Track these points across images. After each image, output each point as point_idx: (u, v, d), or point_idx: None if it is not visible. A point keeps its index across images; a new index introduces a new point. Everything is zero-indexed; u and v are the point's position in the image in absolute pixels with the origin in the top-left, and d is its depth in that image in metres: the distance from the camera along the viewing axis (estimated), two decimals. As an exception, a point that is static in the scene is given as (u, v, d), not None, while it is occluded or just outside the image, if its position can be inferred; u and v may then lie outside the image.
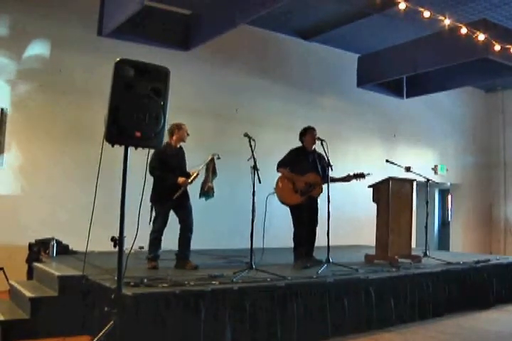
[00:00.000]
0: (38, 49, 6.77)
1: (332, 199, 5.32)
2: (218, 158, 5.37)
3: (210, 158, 5.33)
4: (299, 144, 5.97)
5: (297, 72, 9.33)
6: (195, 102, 7.89)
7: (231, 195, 7.78)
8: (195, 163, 5.30)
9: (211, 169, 5.36)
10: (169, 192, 5.06)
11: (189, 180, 5.14)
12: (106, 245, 3.31)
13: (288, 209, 5.78)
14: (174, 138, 5.26)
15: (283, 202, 5.74)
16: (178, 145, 5.34)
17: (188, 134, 5.31)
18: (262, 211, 5.11)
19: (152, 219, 5.14)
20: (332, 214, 5.32)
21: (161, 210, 5.14)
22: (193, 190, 5.33)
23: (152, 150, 3.97)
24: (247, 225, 4.85)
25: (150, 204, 5.15)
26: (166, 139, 4.99)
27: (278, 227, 6.21)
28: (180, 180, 5.10)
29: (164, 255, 5.28)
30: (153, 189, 5.10)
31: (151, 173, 5.01)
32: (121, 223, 3.06)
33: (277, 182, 5.80)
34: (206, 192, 5.35)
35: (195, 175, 5.19)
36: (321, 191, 5.71)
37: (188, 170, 5.35)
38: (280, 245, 6.67)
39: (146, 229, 4.89)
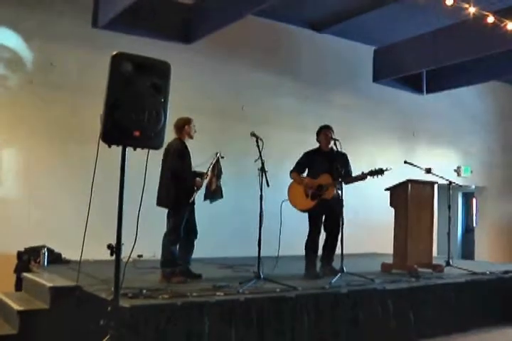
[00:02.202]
0: (27, 41, 6.79)
1: (345, 203, 5.31)
2: (222, 157, 5.39)
3: (215, 157, 5.34)
4: (310, 144, 5.99)
5: (309, 67, 9.32)
6: (197, 99, 7.90)
7: (237, 199, 7.78)
8: (196, 163, 5.31)
9: (217, 169, 5.38)
10: (187, 195, 5.06)
11: (202, 182, 5.17)
12: (102, 253, 3.31)
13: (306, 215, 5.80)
14: (184, 133, 5.25)
15: (298, 208, 5.76)
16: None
17: (195, 131, 5.33)
18: (272, 216, 5.12)
19: (169, 227, 5.09)
20: (346, 220, 5.30)
21: (181, 216, 5.10)
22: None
23: (151, 151, 3.98)
24: (254, 231, 4.85)
25: (167, 209, 5.12)
26: (171, 135, 5.03)
27: (290, 234, 6.20)
28: (197, 181, 5.12)
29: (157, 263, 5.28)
30: (168, 192, 5.05)
31: (175, 175, 5.00)
32: (119, 229, 3.06)
33: (289, 189, 5.85)
34: (213, 193, 5.35)
35: (210, 176, 5.21)
36: (333, 193, 5.69)
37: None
38: (292, 253, 6.66)
39: (146, 236, 4.90)
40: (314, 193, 5.67)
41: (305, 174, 5.94)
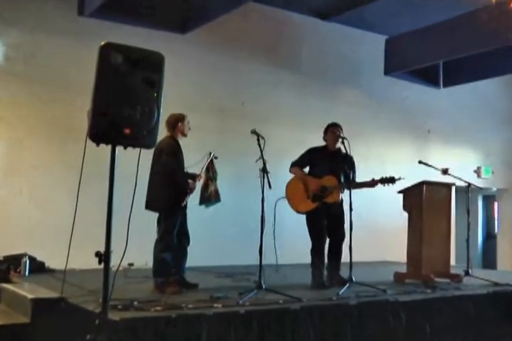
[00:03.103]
0: (6, 30, 6.80)
1: (353, 206, 5.32)
2: (215, 158, 5.40)
3: (208, 157, 5.35)
4: (313, 143, 6.01)
5: (314, 59, 9.34)
6: (193, 95, 7.92)
7: (237, 202, 7.79)
8: (187, 164, 5.32)
9: (212, 170, 5.39)
10: (180, 199, 5.09)
11: (195, 184, 5.18)
12: (89, 261, 3.32)
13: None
14: (176, 131, 5.25)
15: (295, 210, 5.75)
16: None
17: (189, 128, 5.34)
18: (273, 220, 5.13)
19: (161, 232, 5.11)
20: (354, 225, 5.32)
21: (174, 220, 5.12)
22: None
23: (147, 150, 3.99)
24: (255, 237, 4.86)
25: (158, 213, 5.13)
26: (163, 133, 5.03)
27: (293, 239, 6.22)
28: (190, 183, 5.14)
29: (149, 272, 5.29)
30: (160, 194, 5.07)
31: (171, 176, 5.03)
32: (108, 235, 3.07)
33: (287, 185, 5.82)
34: (209, 197, 5.36)
35: (203, 178, 5.23)
36: (338, 198, 5.68)
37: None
38: (296, 261, 6.67)
39: (137, 243, 4.91)
40: (316, 195, 5.66)
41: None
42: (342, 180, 5.70)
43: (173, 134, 5.23)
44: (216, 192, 5.39)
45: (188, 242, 5.30)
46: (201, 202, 5.39)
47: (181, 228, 5.19)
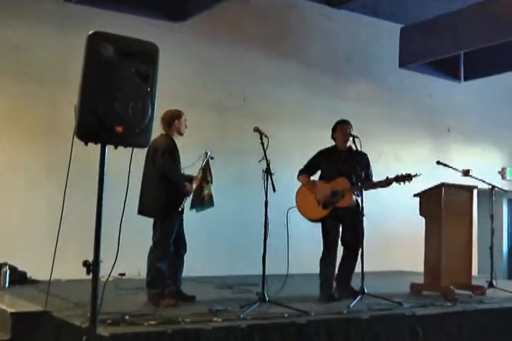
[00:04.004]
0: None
1: (365, 211, 5.32)
2: (212, 158, 5.40)
3: (204, 157, 5.35)
4: (321, 142, 6.01)
5: (321, 50, 9.34)
6: (190, 90, 7.93)
7: (238, 207, 7.81)
8: (184, 165, 5.32)
9: (208, 172, 5.39)
10: (178, 203, 5.10)
11: (193, 186, 5.20)
12: (76, 272, 3.33)
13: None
14: (172, 129, 5.25)
15: (307, 218, 5.78)
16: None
17: (186, 126, 5.35)
18: (278, 226, 5.13)
19: (156, 239, 5.11)
20: (366, 231, 5.32)
21: (171, 226, 5.12)
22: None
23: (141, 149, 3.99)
24: (258, 245, 4.87)
25: (153, 218, 5.14)
26: (157, 131, 5.03)
27: (300, 247, 6.21)
28: (188, 186, 5.15)
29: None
30: (156, 198, 5.08)
31: (168, 178, 5.03)
32: (97, 243, 3.07)
33: (297, 193, 5.86)
34: (202, 201, 5.36)
35: (199, 180, 5.24)
36: (352, 201, 5.68)
37: None
38: (303, 271, 6.67)
39: (129, 251, 4.91)
40: (328, 200, 5.67)
41: (316, 177, 5.94)
42: (354, 181, 5.69)
43: (169, 132, 5.23)
44: (210, 196, 5.39)
45: (185, 250, 5.31)
46: (192, 206, 5.39)
47: (178, 234, 5.20)
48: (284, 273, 5.39)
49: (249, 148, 5.28)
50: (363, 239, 5.41)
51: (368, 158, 5.89)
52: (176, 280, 5.24)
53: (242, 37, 8.58)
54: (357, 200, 5.64)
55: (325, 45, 9.38)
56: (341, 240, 5.79)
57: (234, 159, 7.64)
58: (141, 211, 5.13)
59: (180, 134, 5.31)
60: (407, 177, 5.48)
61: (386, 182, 5.59)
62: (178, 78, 7.54)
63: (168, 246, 5.08)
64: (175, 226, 5.13)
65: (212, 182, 5.42)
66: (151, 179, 5.11)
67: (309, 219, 5.78)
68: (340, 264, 5.84)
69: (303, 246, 6.26)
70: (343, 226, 5.76)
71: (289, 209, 5.57)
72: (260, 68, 8.69)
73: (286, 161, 6.00)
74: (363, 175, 5.62)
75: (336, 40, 9.50)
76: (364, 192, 5.55)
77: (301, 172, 5.91)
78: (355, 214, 5.62)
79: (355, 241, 5.66)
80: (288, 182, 5.83)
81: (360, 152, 5.67)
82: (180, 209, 5.12)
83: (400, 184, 5.52)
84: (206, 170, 5.38)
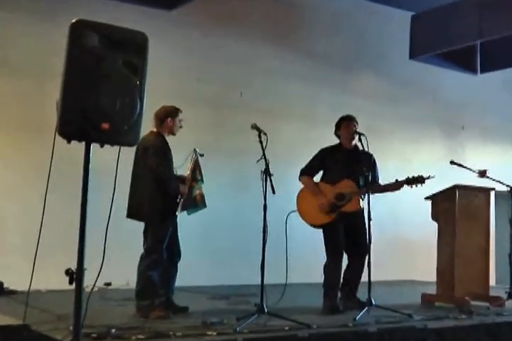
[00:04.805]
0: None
1: (372, 216, 5.32)
2: (201, 155, 5.39)
3: (193, 155, 5.34)
4: (326, 141, 6.00)
5: (325, 41, 9.35)
6: (183, 83, 7.93)
7: (234, 210, 7.81)
8: (175, 165, 5.33)
9: (198, 171, 5.39)
10: (172, 205, 5.11)
11: (186, 187, 5.19)
12: (58, 281, 3.33)
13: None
14: (165, 127, 5.24)
15: (309, 224, 5.76)
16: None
17: (181, 126, 5.33)
18: (278, 231, 5.13)
19: (148, 246, 5.10)
20: (374, 237, 5.32)
21: (165, 231, 5.11)
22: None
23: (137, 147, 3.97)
24: (256, 252, 4.87)
25: (144, 223, 5.13)
26: (147, 128, 5.01)
27: (302, 255, 6.22)
28: (181, 187, 5.14)
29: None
30: (149, 201, 5.06)
31: (160, 179, 5.03)
32: (81, 249, 3.06)
33: (298, 196, 5.84)
34: (193, 202, 5.35)
35: (190, 180, 5.23)
36: (359, 205, 5.68)
37: None
38: (305, 280, 6.67)
39: (116, 259, 4.91)
40: (333, 204, 5.66)
41: (316, 178, 5.93)
42: (361, 183, 5.69)
43: (161, 130, 5.23)
44: (202, 196, 5.37)
45: (179, 257, 5.31)
46: (183, 208, 5.36)
47: (171, 240, 5.19)
48: (287, 283, 5.38)
49: (247, 147, 5.27)
50: (370, 245, 5.41)
51: (374, 159, 5.88)
52: (168, 290, 5.23)
53: (239, 26, 8.57)
54: (362, 204, 5.64)
55: (330, 35, 9.39)
56: (346, 247, 5.78)
57: (230, 158, 7.64)
58: (131, 214, 5.12)
59: (173, 134, 5.30)
60: (419, 180, 5.48)
61: (396, 186, 5.61)
62: (169, 71, 7.54)
63: (161, 253, 5.06)
64: (168, 232, 5.12)
65: (203, 181, 5.41)
66: (142, 180, 5.10)
67: (311, 225, 5.76)
68: (345, 273, 5.83)
69: (305, 253, 6.25)
70: (349, 232, 5.74)
71: (290, 213, 5.55)
72: (259, 60, 8.68)
73: (288, 161, 5.98)
74: (370, 177, 5.62)
75: (341, 29, 9.49)
76: (372, 195, 5.54)
77: (303, 173, 5.89)
78: (362, 219, 5.62)
79: (361, 248, 5.65)
80: (289, 183, 5.83)
81: (367, 152, 5.66)
82: (177, 214, 5.13)
83: (411, 187, 5.53)
84: (196, 168, 5.37)
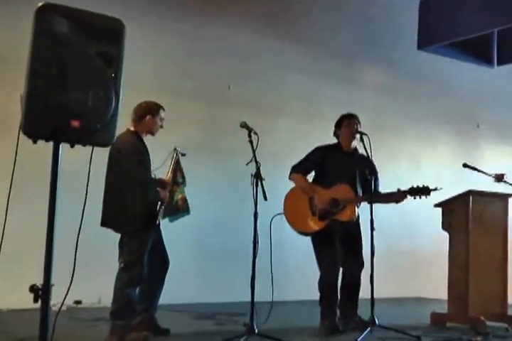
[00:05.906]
0: None
1: (376, 225, 5.33)
2: (183, 155, 5.38)
3: (174, 155, 5.32)
4: (327, 142, 6.02)
5: (326, 30, 9.34)
6: (164, 75, 7.90)
7: (221, 218, 7.79)
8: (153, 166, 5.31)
9: (178, 173, 5.37)
10: (151, 213, 5.07)
11: (167, 192, 5.18)
12: (21, 299, 3.31)
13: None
14: (143, 125, 5.20)
15: (297, 230, 5.74)
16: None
17: (161, 126, 5.31)
18: (273, 242, 5.13)
19: (126, 259, 5.04)
20: (377, 249, 5.32)
21: (145, 242, 5.06)
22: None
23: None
24: (245, 265, 4.86)
25: (120, 234, 5.10)
26: (124, 125, 5.00)
27: (295, 268, 6.21)
28: (162, 192, 5.12)
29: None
30: (124, 207, 5.01)
31: (137, 183, 5.00)
32: (48, 263, 3.05)
33: (286, 197, 5.82)
34: (175, 207, 5.34)
35: (170, 182, 5.22)
36: (354, 215, 5.66)
37: None
38: (300, 297, 6.67)
39: (88, 274, 4.89)
40: (325, 211, 5.65)
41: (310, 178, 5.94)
42: (359, 190, 5.70)
43: (138, 128, 5.19)
44: (184, 200, 5.37)
45: (166, 269, 5.28)
46: (164, 215, 5.33)
47: (154, 252, 5.15)
48: (279, 300, 5.38)
49: (236, 147, 5.27)
50: (373, 257, 5.39)
51: (374, 165, 5.86)
52: (151, 308, 5.20)
53: (230, 13, 8.54)
54: (358, 214, 5.64)
55: (332, 23, 9.37)
56: (342, 260, 5.75)
57: (218, 161, 7.63)
58: (105, 223, 5.04)
59: (151, 134, 5.27)
60: (423, 191, 5.45)
61: (398, 196, 5.59)
62: (149, 62, 7.52)
63: (141, 268, 4.99)
64: (147, 243, 5.06)
65: (185, 184, 5.40)
66: (116, 184, 5.06)
67: (299, 232, 5.75)
68: (341, 289, 5.81)
69: (300, 266, 6.23)
70: (343, 242, 5.73)
71: (274, 216, 5.45)
72: (251, 49, 8.66)
73: (284, 163, 5.96)
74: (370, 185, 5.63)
75: (343, 17, 9.50)
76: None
77: (295, 170, 5.86)
78: (357, 227, 5.65)
79: (357, 260, 5.69)
80: (286, 188, 5.80)
81: (367, 157, 5.64)
82: (158, 222, 5.11)
83: (414, 198, 5.52)
84: (177, 169, 5.35)
